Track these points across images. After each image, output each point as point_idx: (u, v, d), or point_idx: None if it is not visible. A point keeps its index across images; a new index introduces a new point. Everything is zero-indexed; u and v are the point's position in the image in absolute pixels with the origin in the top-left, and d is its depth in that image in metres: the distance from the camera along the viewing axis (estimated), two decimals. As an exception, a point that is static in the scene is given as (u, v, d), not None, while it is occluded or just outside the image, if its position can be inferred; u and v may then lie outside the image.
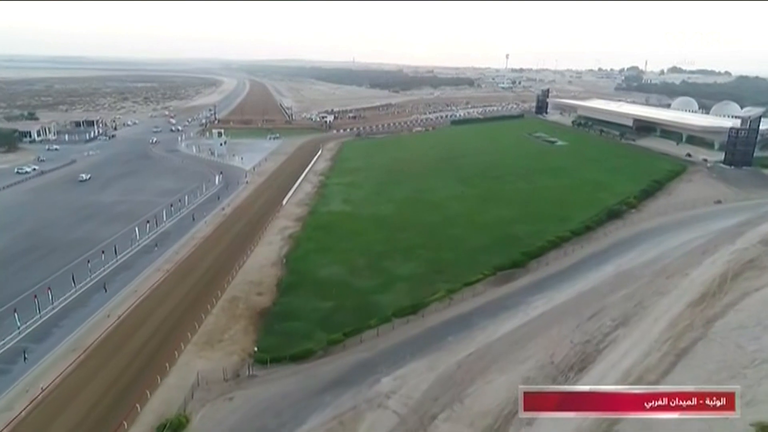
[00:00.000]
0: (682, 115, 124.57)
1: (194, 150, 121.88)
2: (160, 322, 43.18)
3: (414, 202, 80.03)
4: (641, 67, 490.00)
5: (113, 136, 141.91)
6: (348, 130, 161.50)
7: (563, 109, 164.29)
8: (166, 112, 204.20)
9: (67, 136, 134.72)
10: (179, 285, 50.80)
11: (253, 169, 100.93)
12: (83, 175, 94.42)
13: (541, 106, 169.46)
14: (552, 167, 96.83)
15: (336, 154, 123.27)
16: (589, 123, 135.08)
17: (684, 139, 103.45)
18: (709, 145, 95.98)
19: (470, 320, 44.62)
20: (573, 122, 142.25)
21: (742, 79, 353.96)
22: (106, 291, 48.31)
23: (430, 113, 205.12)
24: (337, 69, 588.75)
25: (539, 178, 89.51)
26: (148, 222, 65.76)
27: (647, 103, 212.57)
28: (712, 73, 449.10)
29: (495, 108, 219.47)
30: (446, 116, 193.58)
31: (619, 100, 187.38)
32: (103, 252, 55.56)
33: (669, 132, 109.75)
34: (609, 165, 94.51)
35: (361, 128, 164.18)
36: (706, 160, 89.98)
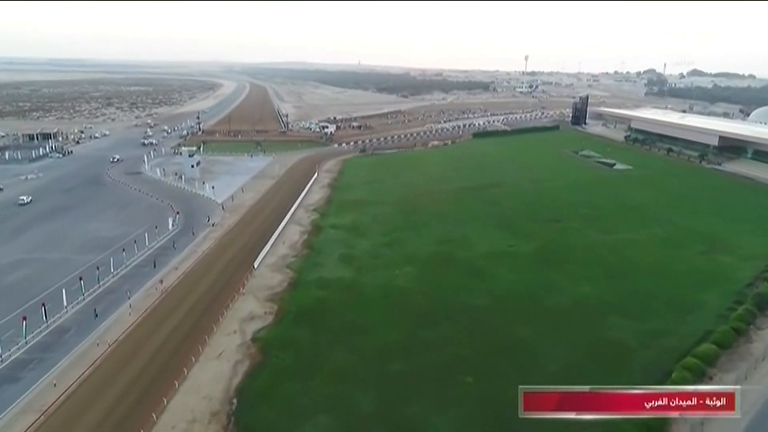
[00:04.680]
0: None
1: (159, 173, 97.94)
2: None
3: (442, 264, 55.56)
4: (657, 69, 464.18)
5: (70, 152, 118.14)
6: (352, 143, 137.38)
7: (606, 119, 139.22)
8: (148, 120, 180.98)
9: (8, 154, 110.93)
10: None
11: (222, 207, 76.23)
12: (24, 198, 77.85)
13: (579, 116, 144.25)
14: (625, 205, 71.91)
15: (336, 177, 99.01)
16: (649, 139, 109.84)
17: (795, 165, 78.58)
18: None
19: None
20: (626, 137, 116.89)
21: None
22: None
23: (445, 122, 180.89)
24: (342, 72, 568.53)
25: (615, 224, 64.56)
26: (24, 319, 41.20)
27: (692, 111, 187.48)
28: (735, 76, 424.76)
29: (518, 116, 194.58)
30: (465, 126, 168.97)
31: (676, 110, 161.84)
32: None
33: (765, 153, 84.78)
34: (709, 204, 69.71)
35: (367, 141, 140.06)
36: None
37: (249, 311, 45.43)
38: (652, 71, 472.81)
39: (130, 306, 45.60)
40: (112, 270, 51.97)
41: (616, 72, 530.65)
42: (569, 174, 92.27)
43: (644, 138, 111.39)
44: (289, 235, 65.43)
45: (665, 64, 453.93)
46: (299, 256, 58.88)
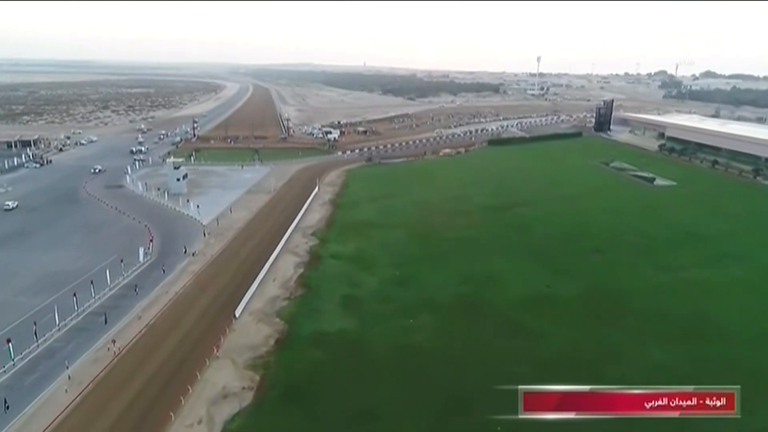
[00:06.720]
0: None
1: (142, 186, 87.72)
2: None
3: (468, 312, 45.01)
4: (669, 71, 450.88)
5: (49, 161, 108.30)
6: (357, 151, 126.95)
7: (633, 126, 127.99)
8: (142, 125, 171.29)
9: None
10: None
11: (205, 232, 65.61)
12: (9, 203, 74.38)
13: (604, 122, 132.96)
14: (681, 232, 60.68)
15: (338, 192, 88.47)
16: (688, 149, 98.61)
17: None
18: None
19: None
20: (661, 147, 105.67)
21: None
22: None
23: (455, 126, 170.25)
24: (347, 73, 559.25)
25: (674, 257, 53.40)
26: None
27: (719, 115, 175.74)
28: (750, 77, 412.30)
29: (533, 120, 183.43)
30: (477, 131, 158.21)
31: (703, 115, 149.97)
32: None
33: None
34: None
35: (373, 149, 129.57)
36: None
37: (222, 386, 34.95)
38: (663, 73, 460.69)
39: (69, 378, 35.23)
40: (57, 321, 41.62)
41: (626, 73, 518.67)
42: (604, 191, 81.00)
43: (682, 148, 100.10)
44: (281, 268, 54.92)
45: (677, 66, 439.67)
46: (292, 297, 48.46)
